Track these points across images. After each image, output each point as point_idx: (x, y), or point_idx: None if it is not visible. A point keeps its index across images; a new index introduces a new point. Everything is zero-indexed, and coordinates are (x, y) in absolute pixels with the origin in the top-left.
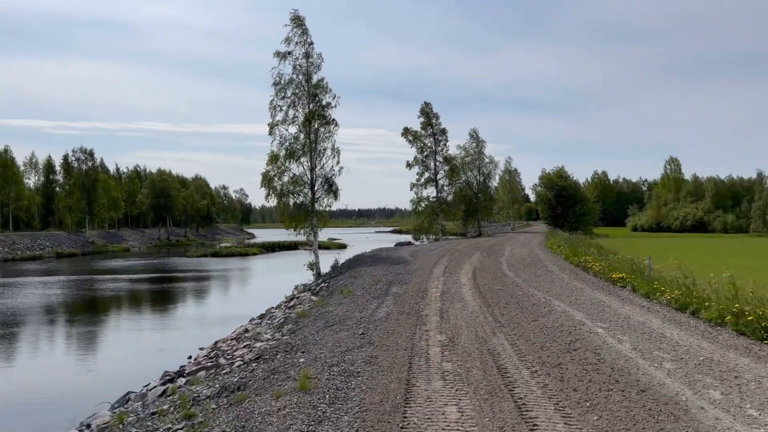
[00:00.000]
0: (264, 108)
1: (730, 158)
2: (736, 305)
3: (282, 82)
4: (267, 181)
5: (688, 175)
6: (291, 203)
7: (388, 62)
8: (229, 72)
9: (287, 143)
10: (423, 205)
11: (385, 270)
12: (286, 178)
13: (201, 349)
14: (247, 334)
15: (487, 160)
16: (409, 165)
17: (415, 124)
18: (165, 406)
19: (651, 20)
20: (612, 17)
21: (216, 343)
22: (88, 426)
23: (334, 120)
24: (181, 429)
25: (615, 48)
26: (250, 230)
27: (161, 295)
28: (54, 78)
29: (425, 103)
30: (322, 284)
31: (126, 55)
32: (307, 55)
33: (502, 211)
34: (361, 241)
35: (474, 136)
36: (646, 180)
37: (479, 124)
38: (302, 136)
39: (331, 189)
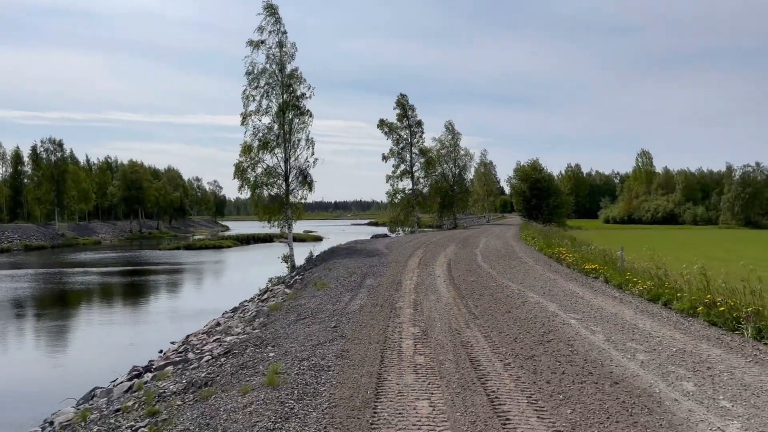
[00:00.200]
0: (238, 98)
1: (701, 151)
2: (708, 296)
3: (255, 71)
4: (240, 172)
5: (659, 168)
6: (265, 195)
7: (365, 54)
8: (203, 62)
9: (261, 134)
10: (399, 197)
11: (359, 262)
12: (259, 170)
13: (173, 343)
14: (218, 328)
15: (462, 152)
16: (384, 157)
17: (392, 116)
18: (129, 403)
19: (624, 14)
20: (585, 10)
21: (188, 336)
22: (51, 423)
23: (308, 111)
24: (144, 427)
25: (588, 41)
26: (224, 222)
27: (133, 289)
28: (21, 67)
29: (401, 94)
30: (297, 277)
31: (96, 44)
32: (281, 45)
33: (477, 204)
34: (338, 233)
35: (450, 128)
36: (618, 173)
37: (455, 117)
38: (276, 126)
39: (306, 181)
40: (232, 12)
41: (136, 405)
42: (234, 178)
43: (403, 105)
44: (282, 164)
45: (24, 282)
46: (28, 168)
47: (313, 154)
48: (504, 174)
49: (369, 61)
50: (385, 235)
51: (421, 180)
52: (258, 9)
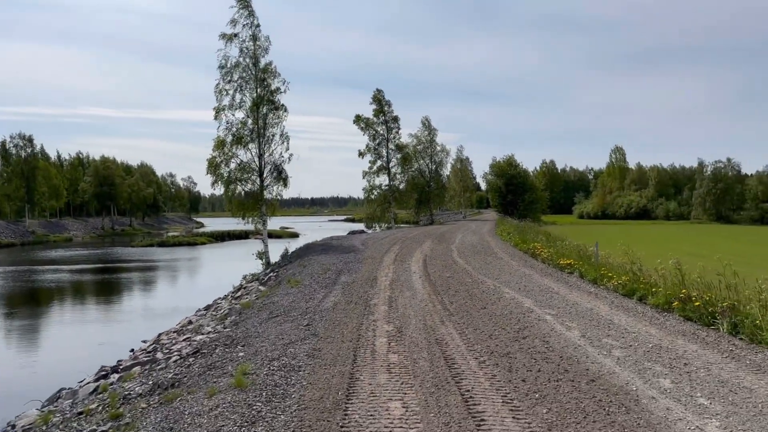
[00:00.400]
0: (212, 93)
1: (673, 148)
2: (683, 291)
3: (228, 65)
4: (213, 167)
5: (632, 164)
6: (239, 191)
7: (342, 50)
8: (176, 56)
9: (234, 129)
10: (375, 193)
11: (335, 259)
12: (233, 165)
13: (144, 341)
14: (189, 327)
15: (438, 148)
16: (361, 153)
17: (368, 112)
18: (93, 405)
19: (598, 11)
20: (560, 7)
21: (159, 335)
22: (13, 427)
23: (283, 106)
24: (106, 431)
25: (563, 38)
26: (198, 219)
27: (105, 287)
28: None
29: (377, 90)
30: (271, 274)
31: (66, 37)
32: (254, 38)
33: (453, 200)
34: (314, 229)
35: (426, 124)
36: (592, 169)
37: (431, 112)
38: (250, 121)
39: (281, 176)
40: (205, 4)
41: (100, 408)
42: (207, 173)
43: (380, 100)
44: (256, 159)
45: None
46: None
47: (288, 149)
48: (480, 170)
49: (346, 57)
50: (362, 232)
51: (398, 176)
52: (231, 2)
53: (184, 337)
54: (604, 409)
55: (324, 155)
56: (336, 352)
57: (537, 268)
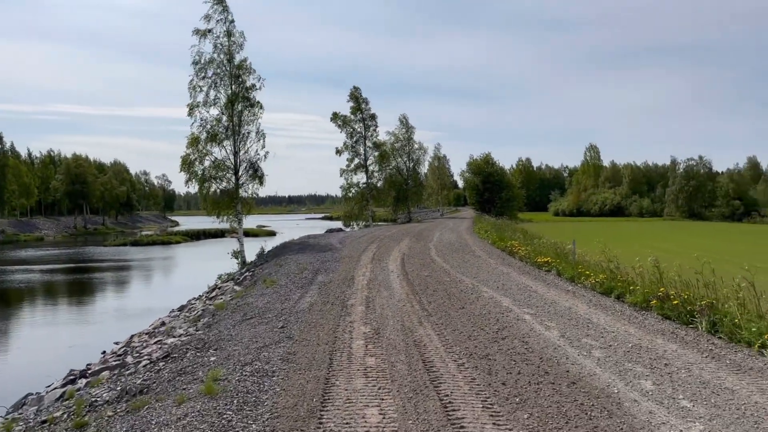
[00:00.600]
0: (186, 90)
1: (646, 145)
2: (662, 289)
3: (202, 61)
4: (187, 165)
5: (606, 162)
6: (214, 189)
7: (319, 47)
8: (150, 52)
9: (209, 126)
10: (353, 191)
11: (312, 258)
12: (207, 163)
13: (116, 343)
14: (162, 328)
15: (416, 146)
16: (338, 151)
17: (346, 109)
18: (58, 413)
19: (572, 10)
20: (535, 6)
21: (132, 337)
22: None
23: (258, 102)
24: None
25: (539, 37)
26: (173, 218)
27: (77, 287)
28: None
29: (354, 87)
30: (246, 273)
31: (38, 33)
32: (229, 34)
33: (431, 197)
34: (291, 227)
35: (403, 122)
36: (567, 167)
37: (409, 110)
38: (225, 118)
39: (257, 174)
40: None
41: (65, 416)
42: (180, 171)
43: (357, 98)
44: (231, 157)
45: None
46: None
47: (264, 147)
48: (457, 168)
49: (323, 54)
50: (340, 230)
51: (376, 174)
52: None
53: (156, 339)
54: (586, 414)
55: (301, 153)
56: (311, 356)
57: (515, 266)
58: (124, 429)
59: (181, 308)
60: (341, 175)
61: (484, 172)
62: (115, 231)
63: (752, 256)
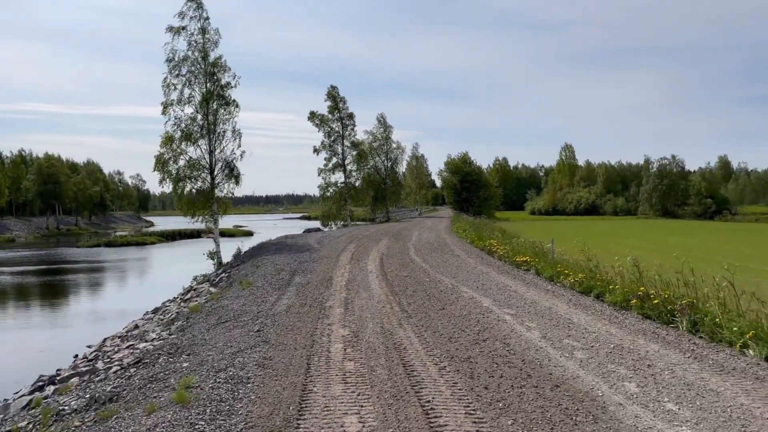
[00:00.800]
0: (161, 88)
1: (620, 145)
2: (642, 288)
3: (176, 59)
4: (161, 164)
5: (581, 161)
6: (188, 189)
7: (296, 46)
8: (123, 50)
9: (183, 124)
10: (331, 190)
11: (289, 258)
12: (182, 162)
13: (89, 347)
14: (134, 332)
15: (394, 145)
16: (316, 150)
17: (323, 108)
18: (23, 423)
19: (548, 11)
20: (514, 7)
21: (105, 340)
22: None
23: (234, 101)
24: None
25: (516, 37)
26: (148, 218)
27: (50, 289)
28: None
29: (331, 86)
30: (222, 274)
31: (10, 30)
32: (204, 31)
33: (409, 197)
34: (269, 227)
35: (381, 121)
36: (543, 166)
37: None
38: (200, 117)
39: (233, 174)
40: None
41: (30, 426)
42: (154, 170)
43: (334, 97)
44: (207, 156)
45: None
46: None
47: (240, 146)
48: (435, 167)
49: (301, 53)
50: (318, 230)
51: (354, 173)
52: None
53: (128, 344)
54: (572, 419)
55: (279, 152)
56: (288, 361)
57: (494, 265)
58: None
59: (156, 310)
60: (319, 175)
61: (462, 171)
62: (88, 232)
63: (728, 254)
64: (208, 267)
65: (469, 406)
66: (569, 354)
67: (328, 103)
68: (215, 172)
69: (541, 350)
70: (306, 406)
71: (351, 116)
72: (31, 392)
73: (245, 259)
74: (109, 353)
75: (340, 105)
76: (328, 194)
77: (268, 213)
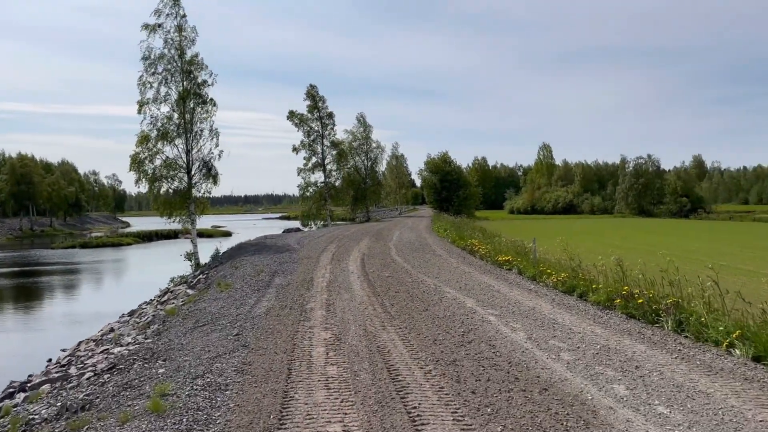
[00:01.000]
0: (137, 87)
1: (597, 144)
2: (625, 287)
3: (152, 56)
4: (136, 164)
5: (559, 161)
6: (165, 188)
7: (275, 45)
8: (99, 48)
9: (159, 123)
10: (311, 190)
11: (269, 259)
12: (158, 161)
13: (63, 350)
14: (109, 335)
15: (374, 145)
16: (295, 149)
17: (303, 108)
18: None
19: (525, 11)
20: (492, 8)
21: (79, 343)
22: None
23: (212, 100)
24: None
25: (493, 37)
26: (125, 219)
27: (23, 292)
28: None
29: (311, 85)
30: (200, 276)
31: None
32: (180, 29)
33: (389, 196)
34: (248, 227)
35: (361, 120)
36: (521, 165)
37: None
38: (176, 115)
39: (210, 173)
40: None
41: None
42: (130, 170)
43: (314, 96)
44: (183, 156)
45: None
46: None
47: (218, 145)
48: (415, 166)
49: (280, 52)
50: (298, 230)
51: (334, 173)
52: None
53: (102, 348)
54: (562, 424)
55: (258, 152)
56: (268, 366)
57: (476, 265)
58: None
59: (132, 313)
60: (299, 174)
61: (442, 170)
62: (63, 233)
63: (707, 252)
64: (185, 268)
65: (456, 412)
66: (556, 355)
67: (308, 102)
68: (192, 172)
69: (527, 352)
70: (287, 415)
71: (330, 115)
72: (1, 399)
73: (223, 260)
74: (82, 358)
75: (320, 104)
76: (308, 194)
77: (247, 213)
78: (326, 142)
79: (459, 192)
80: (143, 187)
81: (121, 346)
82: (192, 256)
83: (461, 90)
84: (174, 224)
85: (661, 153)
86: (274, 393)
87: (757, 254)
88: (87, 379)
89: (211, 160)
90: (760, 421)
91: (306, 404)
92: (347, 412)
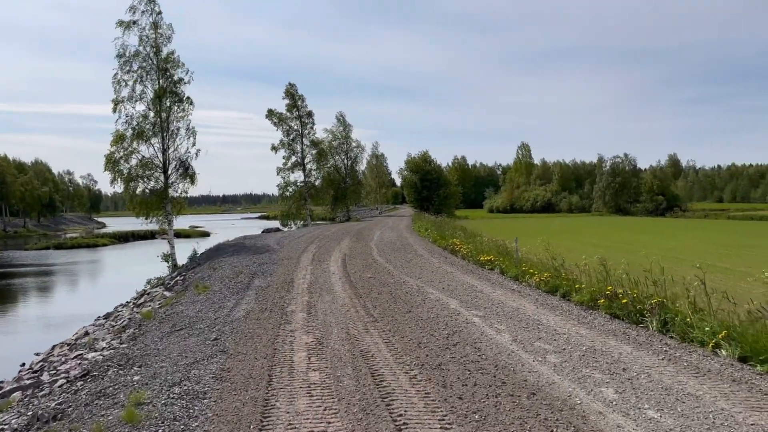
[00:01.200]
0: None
1: (575, 144)
2: (609, 288)
3: (127, 54)
4: (111, 164)
5: (537, 160)
6: (141, 188)
7: (254, 44)
8: (74, 47)
9: (135, 122)
10: (290, 190)
11: (248, 260)
12: (134, 161)
13: (37, 354)
14: (84, 340)
15: (354, 144)
16: (274, 148)
17: (282, 107)
18: None
19: (506, 12)
20: (469, 6)
21: (53, 347)
22: None
23: (188, 98)
24: None
25: (473, 37)
26: (100, 219)
27: None
28: None
29: (290, 84)
30: (178, 278)
31: None
32: (156, 26)
33: (370, 196)
34: (226, 228)
35: (341, 119)
36: (500, 165)
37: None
38: (152, 114)
39: (187, 173)
40: None
41: None
42: (105, 170)
43: (293, 95)
44: (160, 155)
45: None
46: None
47: (195, 144)
48: (395, 166)
49: (259, 51)
50: (277, 229)
51: (313, 172)
52: None
53: (76, 353)
54: (552, 431)
55: (236, 151)
56: (248, 373)
57: (458, 265)
58: None
59: (107, 316)
60: (278, 174)
61: (423, 170)
62: (37, 234)
63: (683, 251)
64: (162, 270)
65: (444, 419)
66: (542, 358)
67: (287, 101)
68: (169, 171)
69: (513, 354)
70: (268, 424)
71: (310, 114)
72: None
73: (201, 262)
74: (55, 364)
75: (299, 103)
76: (288, 194)
77: (226, 213)
78: (306, 141)
79: (439, 191)
80: (119, 187)
81: (96, 351)
82: (169, 257)
83: (441, 89)
84: (151, 225)
85: (638, 152)
86: (254, 401)
87: (733, 252)
88: (59, 386)
89: (188, 160)
90: (752, 424)
91: (287, 413)
92: (330, 420)
